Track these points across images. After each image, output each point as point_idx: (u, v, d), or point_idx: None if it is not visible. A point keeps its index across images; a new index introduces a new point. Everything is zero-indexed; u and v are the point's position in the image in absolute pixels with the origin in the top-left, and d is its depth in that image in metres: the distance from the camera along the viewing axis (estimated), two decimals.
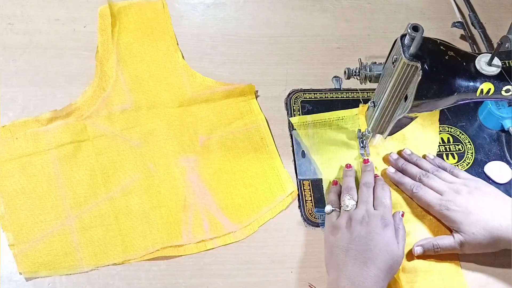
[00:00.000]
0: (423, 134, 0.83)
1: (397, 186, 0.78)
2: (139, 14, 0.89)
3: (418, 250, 0.72)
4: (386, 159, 0.80)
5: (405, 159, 0.79)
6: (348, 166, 0.78)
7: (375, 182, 0.75)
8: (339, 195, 0.75)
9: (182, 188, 0.76)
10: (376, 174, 0.77)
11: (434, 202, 0.73)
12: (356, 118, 0.83)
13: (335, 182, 0.77)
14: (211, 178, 0.77)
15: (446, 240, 0.72)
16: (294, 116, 0.83)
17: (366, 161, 0.78)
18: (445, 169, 0.78)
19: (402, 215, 0.73)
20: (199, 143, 0.79)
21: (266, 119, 0.83)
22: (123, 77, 0.83)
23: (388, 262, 0.66)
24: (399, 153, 0.80)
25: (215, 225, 0.74)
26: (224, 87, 0.84)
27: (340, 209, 0.73)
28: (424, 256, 0.73)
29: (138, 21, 0.88)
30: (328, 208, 0.73)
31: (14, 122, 0.77)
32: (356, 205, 0.72)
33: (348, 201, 0.72)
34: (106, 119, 0.79)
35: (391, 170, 0.79)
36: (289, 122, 0.83)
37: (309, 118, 0.83)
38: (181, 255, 0.72)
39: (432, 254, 0.72)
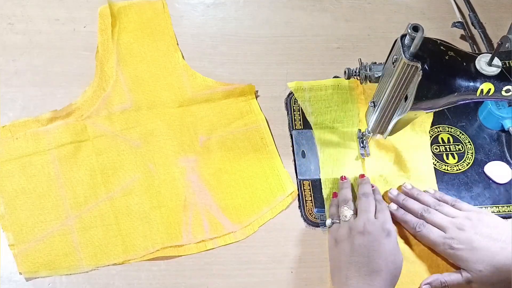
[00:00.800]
0: (411, 136, 0.82)
1: (400, 223, 0.75)
2: (139, 14, 0.89)
3: None
4: (385, 194, 0.78)
5: (405, 194, 0.77)
6: (343, 178, 0.77)
7: (373, 192, 0.74)
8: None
9: (182, 188, 0.76)
10: (373, 185, 0.76)
11: (438, 241, 0.70)
12: (348, 88, 0.85)
13: (335, 195, 0.76)
14: (211, 178, 0.77)
15: (454, 277, 0.69)
16: (294, 117, 0.83)
17: (362, 176, 0.77)
18: (446, 203, 0.75)
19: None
20: (199, 143, 0.79)
21: (266, 119, 0.83)
22: (123, 77, 0.83)
23: (393, 272, 0.65)
24: (399, 188, 0.78)
25: (215, 225, 0.74)
26: (224, 87, 0.84)
27: (340, 221, 0.72)
28: None
29: (138, 21, 0.88)
30: (328, 221, 0.73)
31: (14, 122, 0.77)
32: (356, 215, 0.71)
33: (346, 211, 0.71)
34: (106, 119, 0.79)
35: (393, 207, 0.75)
36: (289, 122, 0.83)
37: (306, 84, 0.85)
38: (181, 255, 0.72)
39: None
